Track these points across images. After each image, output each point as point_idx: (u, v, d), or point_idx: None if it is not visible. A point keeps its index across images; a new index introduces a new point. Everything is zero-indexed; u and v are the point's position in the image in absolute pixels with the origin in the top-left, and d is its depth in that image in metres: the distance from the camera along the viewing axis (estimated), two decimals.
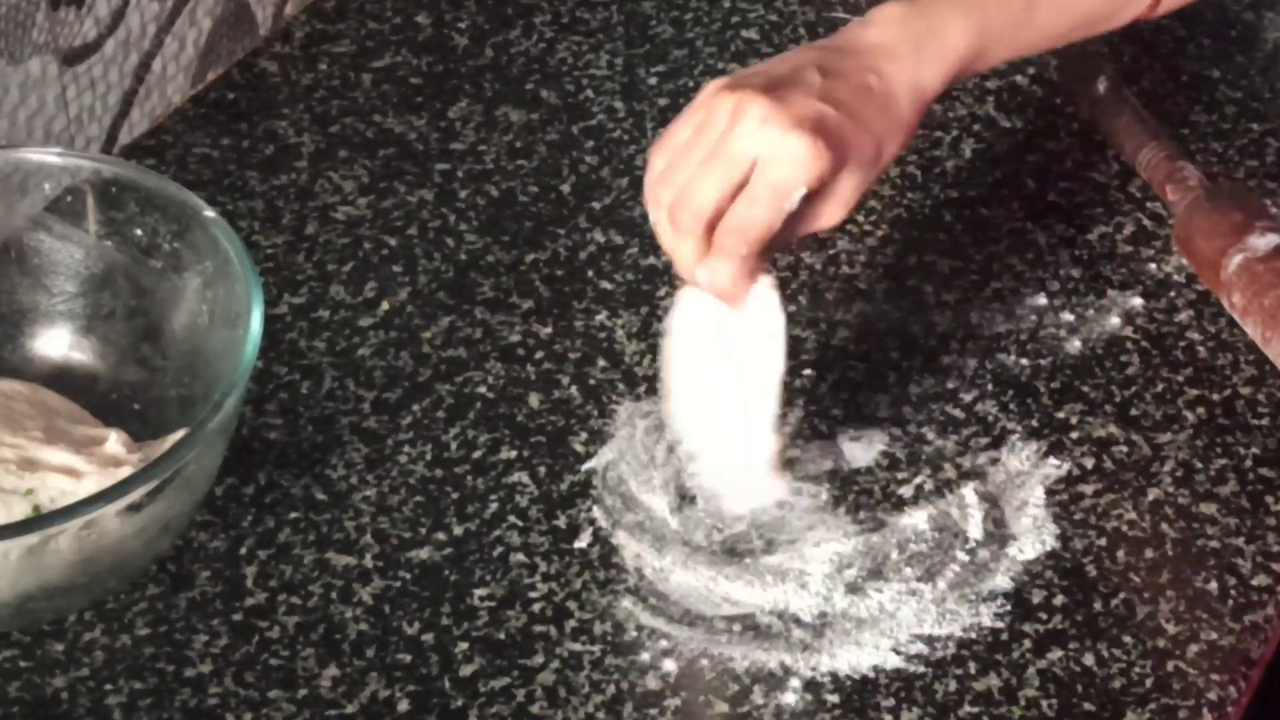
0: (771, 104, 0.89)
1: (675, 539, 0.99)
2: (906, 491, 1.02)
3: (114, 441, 0.95)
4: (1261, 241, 1.09)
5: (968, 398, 1.07)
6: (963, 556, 0.99)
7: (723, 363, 0.95)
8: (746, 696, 0.93)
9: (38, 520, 0.89)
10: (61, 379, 1.01)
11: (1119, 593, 0.98)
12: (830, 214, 0.93)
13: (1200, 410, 1.07)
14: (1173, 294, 1.14)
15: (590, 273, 1.14)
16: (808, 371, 1.08)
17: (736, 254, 0.90)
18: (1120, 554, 0.99)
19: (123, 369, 1.02)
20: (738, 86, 0.90)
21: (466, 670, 0.93)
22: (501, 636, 0.95)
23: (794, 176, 0.88)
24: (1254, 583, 0.98)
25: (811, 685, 0.93)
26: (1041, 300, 1.13)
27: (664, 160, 0.92)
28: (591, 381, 1.07)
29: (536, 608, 0.96)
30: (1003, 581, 0.98)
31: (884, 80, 0.93)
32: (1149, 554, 1.00)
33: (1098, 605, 0.97)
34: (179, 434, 0.96)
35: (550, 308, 1.11)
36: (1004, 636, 0.95)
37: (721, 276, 0.91)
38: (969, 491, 1.02)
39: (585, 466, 1.03)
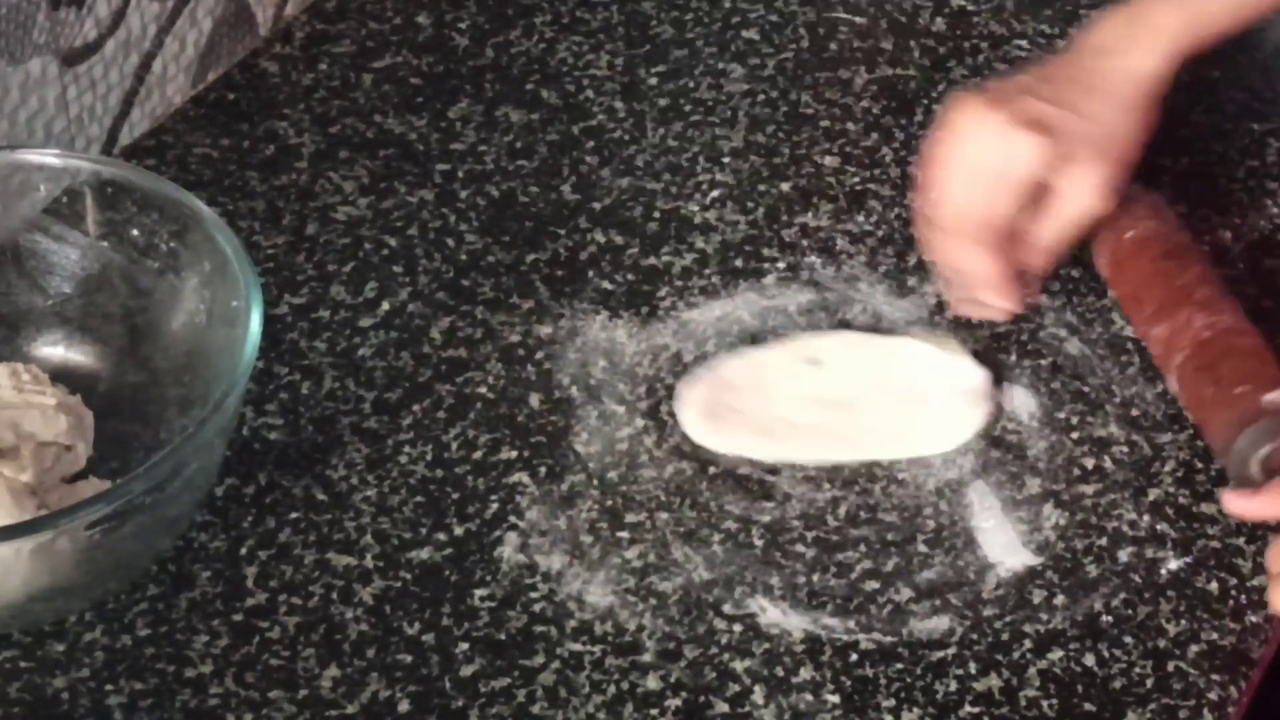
0: (989, 107, 1.01)
1: (675, 539, 0.99)
2: (908, 491, 1.02)
3: (28, 474, 0.95)
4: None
5: None
6: (965, 556, 0.99)
7: None
8: (746, 697, 0.93)
9: (40, 521, 0.89)
10: (61, 380, 1.01)
11: (1119, 593, 0.98)
12: (1086, 204, 1.03)
13: None
14: None
15: (590, 273, 1.14)
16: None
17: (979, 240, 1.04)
18: (1120, 554, 0.99)
19: (122, 369, 1.02)
20: (968, 98, 1.03)
21: (467, 670, 0.93)
22: (502, 637, 0.95)
23: (1021, 167, 1.01)
24: (1254, 583, 0.98)
25: (812, 685, 0.93)
26: (1042, 300, 1.13)
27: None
28: (591, 381, 1.07)
29: (536, 608, 0.96)
30: (1003, 581, 0.98)
31: (1102, 75, 1.03)
32: (1149, 554, 1.00)
33: (1098, 605, 0.97)
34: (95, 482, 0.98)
35: (550, 308, 1.11)
36: (1004, 636, 0.95)
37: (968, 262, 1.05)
38: (970, 491, 1.02)
39: (585, 466, 1.03)
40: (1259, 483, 0.97)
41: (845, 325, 1.11)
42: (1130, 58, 1.04)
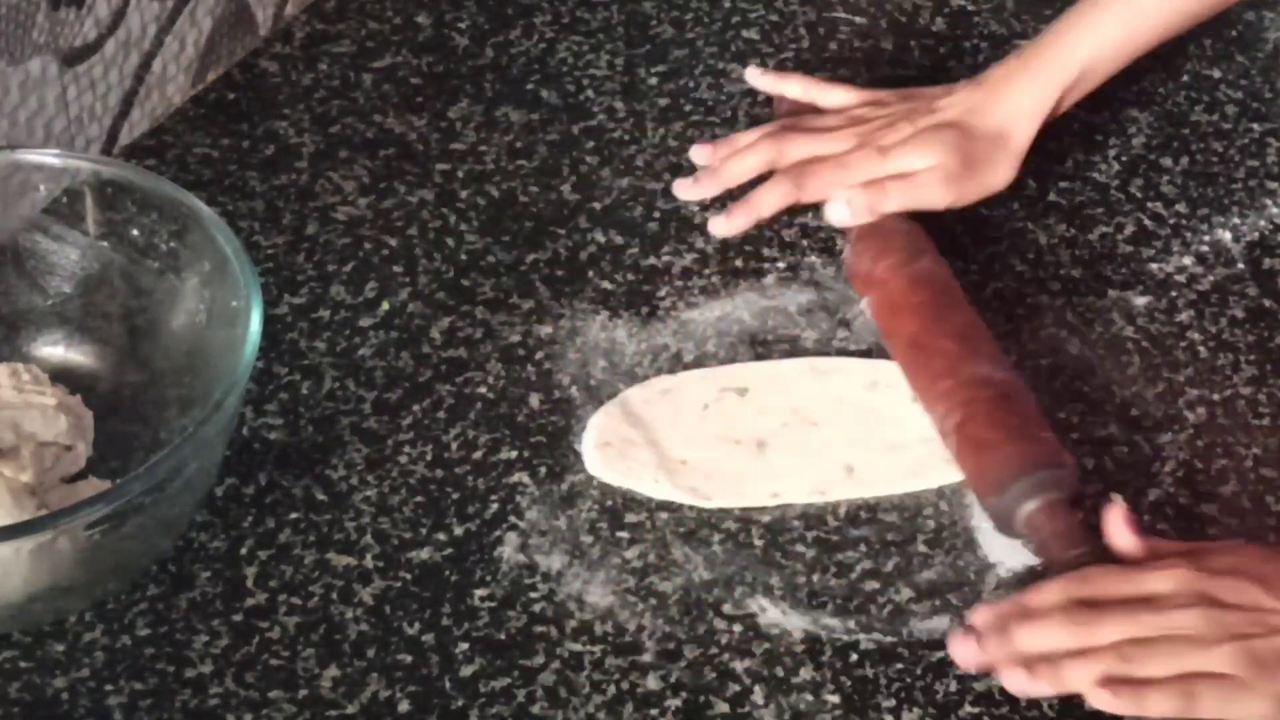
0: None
1: (675, 539, 0.99)
2: (908, 491, 1.02)
3: (28, 474, 0.95)
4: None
5: None
6: (965, 556, 0.99)
7: None
8: (747, 697, 0.93)
9: (40, 521, 0.89)
10: (61, 380, 1.01)
11: None
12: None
13: (1200, 410, 1.07)
14: (1173, 294, 1.14)
15: (590, 273, 1.14)
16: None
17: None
18: None
19: (122, 369, 1.02)
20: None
21: (467, 671, 0.93)
22: (502, 637, 0.95)
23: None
24: None
25: (812, 685, 0.93)
26: (1042, 300, 1.13)
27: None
28: (592, 382, 1.07)
29: (536, 608, 0.96)
30: (1003, 581, 0.98)
31: (981, 114, 1.12)
32: None
33: None
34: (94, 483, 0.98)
35: (550, 308, 1.11)
36: None
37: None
38: (970, 491, 1.02)
39: (585, 466, 1.03)
40: (1022, 538, 0.97)
41: (845, 325, 1.11)
42: (1013, 101, 1.13)
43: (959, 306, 1.06)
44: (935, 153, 1.11)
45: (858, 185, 1.11)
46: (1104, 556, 0.93)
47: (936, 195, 1.11)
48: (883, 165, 1.12)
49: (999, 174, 1.13)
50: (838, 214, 1.12)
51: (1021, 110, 1.13)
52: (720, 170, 1.15)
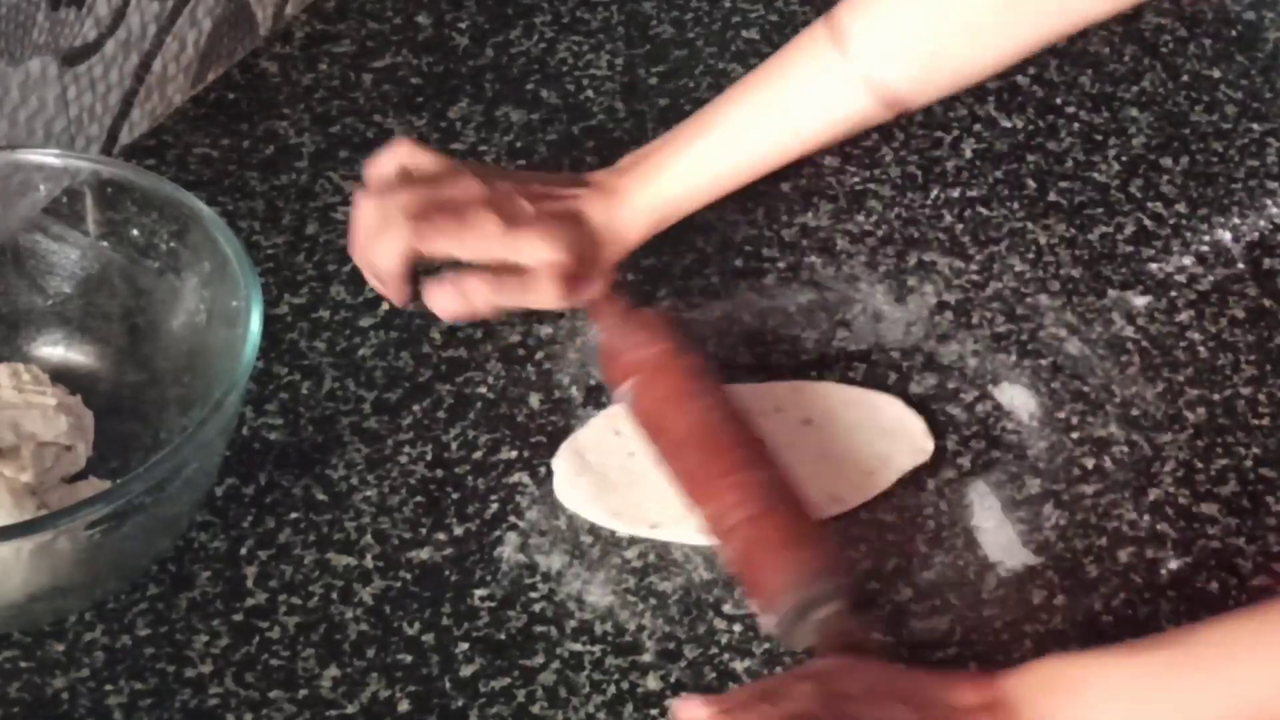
0: None
1: (675, 540, 0.99)
2: (908, 491, 1.02)
3: (28, 474, 0.95)
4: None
5: (968, 398, 1.07)
6: (965, 556, 0.99)
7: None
8: None
9: (40, 521, 0.89)
10: (61, 380, 1.01)
11: (1119, 593, 0.98)
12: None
13: (1200, 410, 1.07)
14: (1173, 294, 1.14)
15: None
16: (813, 373, 1.08)
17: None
18: (1120, 554, 0.99)
19: (122, 369, 1.02)
20: None
21: (467, 670, 0.93)
22: (502, 636, 0.95)
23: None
24: (1254, 583, 0.98)
25: None
26: (1042, 300, 1.13)
27: None
28: (591, 382, 1.07)
29: (536, 608, 0.96)
30: (1003, 581, 0.98)
31: (602, 211, 1.05)
32: (1149, 554, 1.00)
33: (1098, 605, 0.97)
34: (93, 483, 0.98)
35: None
36: (1004, 636, 0.95)
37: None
38: (970, 491, 1.02)
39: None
40: (809, 645, 0.91)
41: (844, 325, 1.11)
42: (610, 215, 1.05)
43: (675, 449, 0.99)
44: (554, 248, 1.01)
45: (468, 278, 1.02)
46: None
47: (548, 296, 1.02)
48: (499, 245, 1.02)
49: (600, 274, 1.04)
50: (439, 304, 1.03)
51: (638, 215, 1.05)
52: None
